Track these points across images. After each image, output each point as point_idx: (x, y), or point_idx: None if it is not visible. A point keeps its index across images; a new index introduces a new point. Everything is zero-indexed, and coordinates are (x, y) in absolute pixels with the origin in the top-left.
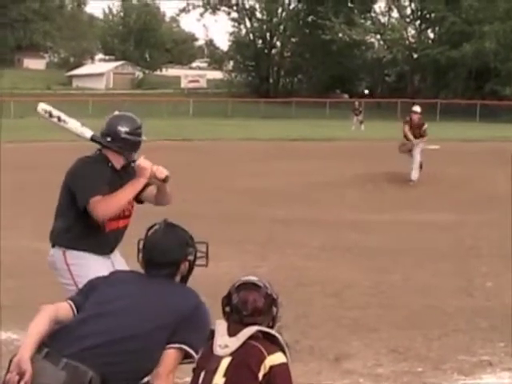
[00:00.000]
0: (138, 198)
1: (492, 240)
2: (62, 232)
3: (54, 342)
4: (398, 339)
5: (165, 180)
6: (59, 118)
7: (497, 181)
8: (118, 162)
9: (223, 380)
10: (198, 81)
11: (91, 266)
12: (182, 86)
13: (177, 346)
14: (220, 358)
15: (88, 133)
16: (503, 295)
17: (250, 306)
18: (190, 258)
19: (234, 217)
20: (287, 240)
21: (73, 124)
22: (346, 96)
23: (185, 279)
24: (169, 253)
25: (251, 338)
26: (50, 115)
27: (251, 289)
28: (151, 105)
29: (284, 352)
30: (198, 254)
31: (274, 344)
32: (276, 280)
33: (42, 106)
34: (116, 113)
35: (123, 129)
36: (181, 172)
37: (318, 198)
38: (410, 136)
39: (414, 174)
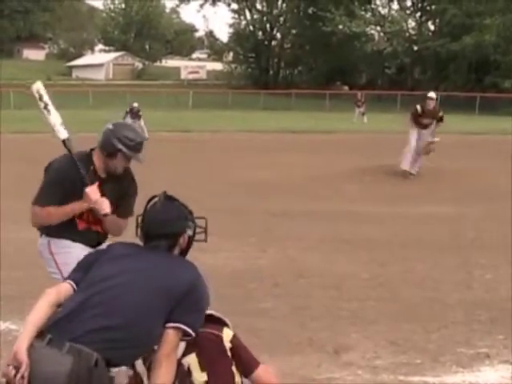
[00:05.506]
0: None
1: (492, 233)
2: None
3: (56, 327)
4: (396, 331)
5: (104, 216)
6: (46, 106)
7: (497, 174)
8: (100, 167)
9: (204, 374)
10: (197, 72)
11: (76, 254)
12: (182, 77)
13: (176, 325)
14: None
15: (63, 134)
16: (503, 288)
17: None
18: (189, 232)
19: (233, 209)
20: (286, 232)
21: (54, 118)
22: (346, 88)
23: (184, 254)
24: (168, 224)
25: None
26: (40, 98)
27: None
28: (151, 96)
29: (227, 325)
30: (198, 230)
31: (217, 323)
32: (275, 272)
33: (38, 86)
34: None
35: (120, 145)
36: (179, 164)
37: (318, 190)
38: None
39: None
